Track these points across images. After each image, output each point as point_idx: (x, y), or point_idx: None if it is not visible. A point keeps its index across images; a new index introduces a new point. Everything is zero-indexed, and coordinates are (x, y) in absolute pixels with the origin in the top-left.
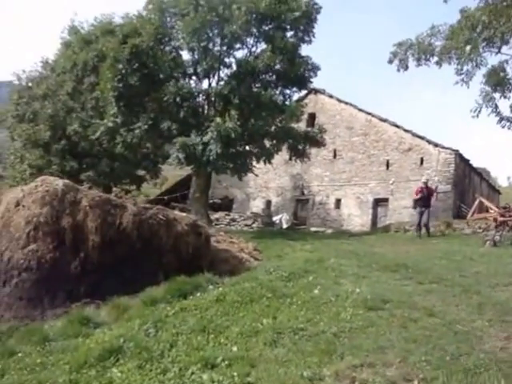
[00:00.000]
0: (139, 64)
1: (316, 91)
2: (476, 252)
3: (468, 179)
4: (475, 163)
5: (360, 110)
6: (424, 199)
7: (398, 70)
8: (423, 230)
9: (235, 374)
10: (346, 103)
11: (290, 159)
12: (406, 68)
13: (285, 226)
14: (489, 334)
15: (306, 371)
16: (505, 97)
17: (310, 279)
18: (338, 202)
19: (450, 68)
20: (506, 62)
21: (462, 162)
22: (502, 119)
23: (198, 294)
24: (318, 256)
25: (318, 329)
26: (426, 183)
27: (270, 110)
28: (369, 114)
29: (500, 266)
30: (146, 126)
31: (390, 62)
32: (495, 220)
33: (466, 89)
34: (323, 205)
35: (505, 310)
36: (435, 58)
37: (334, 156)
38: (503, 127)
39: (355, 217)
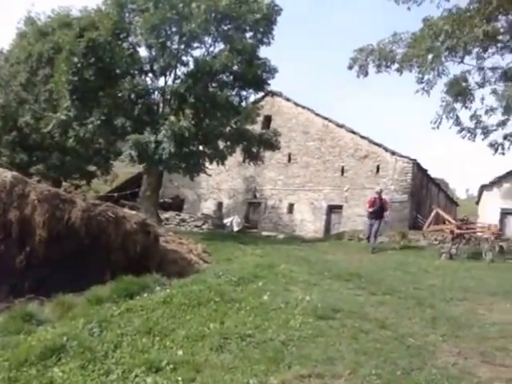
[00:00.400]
0: (95, 58)
1: (273, 94)
2: (431, 264)
3: (425, 189)
4: (434, 174)
5: (317, 114)
6: (377, 211)
7: (358, 76)
8: (372, 240)
9: (180, 378)
10: (303, 107)
11: (244, 161)
12: (366, 74)
13: (236, 228)
14: (441, 349)
15: (252, 379)
16: (466, 107)
17: (259, 285)
18: (290, 207)
19: (412, 76)
20: (469, 72)
21: (419, 171)
22: (462, 129)
23: (145, 295)
24: (268, 261)
25: (265, 336)
26: (379, 193)
27: (225, 110)
28: (326, 119)
29: (455, 280)
30: (99, 122)
31: (350, 67)
32: (452, 232)
33: (427, 97)
34: (276, 209)
35: (458, 325)
36: (396, 65)
37: (289, 160)
38: (463, 138)
39: (308, 223)
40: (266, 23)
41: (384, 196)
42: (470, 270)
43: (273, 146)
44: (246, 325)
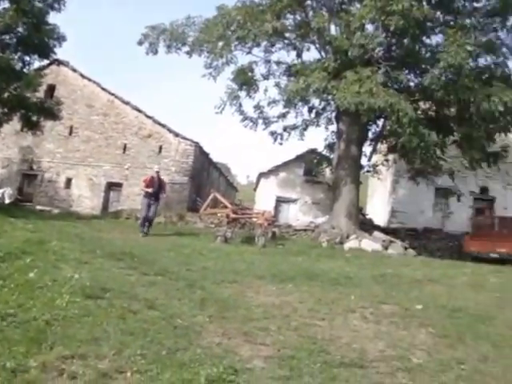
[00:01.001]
0: None
1: (59, 62)
2: (206, 247)
3: (206, 173)
4: (217, 158)
5: (103, 88)
6: (155, 191)
7: (147, 54)
8: (146, 224)
9: None
10: (90, 80)
11: (22, 130)
12: (156, 52)
13: (7, 201)
14: (208, 329)
15: (9, 362)
16: (250, 96)
17: (27, 261)
18: (68, 182)
19: (201, 60)
20: (256, 63)
21: (202, 154)
22: (245, 119)
23: None
24: (39, 237)
25: (29, 315)
26: (158, 173)
27: (5, 74)
28: (112, 94)
29: (227, 263)
30: None
31: (140, 43)
32: (227, 216)
33: (216, 82)
34: (52, 183)
35: (226, 307)
36: (187, 48)
37: (70, 133)
38: (246, 127)
39: (85, 199)
40: None
41: (162, 176)
42: (242, 254)
43: (54, 115)
44: (8, 303)
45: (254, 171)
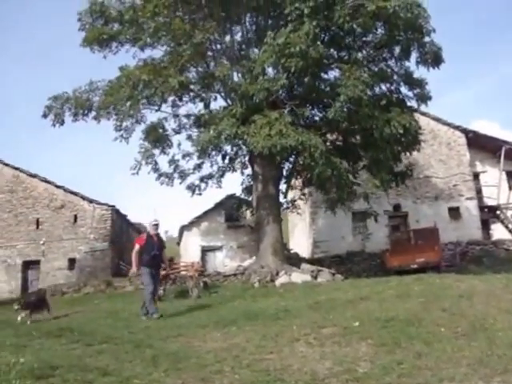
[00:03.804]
0: None
1: None
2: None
3: (126, 235)
4: (135, 218)
5: (6, 164)
6: (158, 254)
7: (54, 125)
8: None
9: None
10: None
11: None
12: (62, 123)
13: None
14: (166, 383)
15: None
16: (164, 153)
17: None
18: None
19: (111, 124)
20: (166, 119)
21: (119, 217)
22: (160, 176)
23: None
24: None
25: None
26: (157, 227)
27: None
28: (16, 169)
29: (167, 319)
30: None
31: (45, 116)
32: None
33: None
34: None
35: (178, 359)
36: (93, 113)
37: None
38: (162, 184)
39: (2, 283)
40: None
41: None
42: (179, 308)
43: None
44: None
45: (173, 226)
